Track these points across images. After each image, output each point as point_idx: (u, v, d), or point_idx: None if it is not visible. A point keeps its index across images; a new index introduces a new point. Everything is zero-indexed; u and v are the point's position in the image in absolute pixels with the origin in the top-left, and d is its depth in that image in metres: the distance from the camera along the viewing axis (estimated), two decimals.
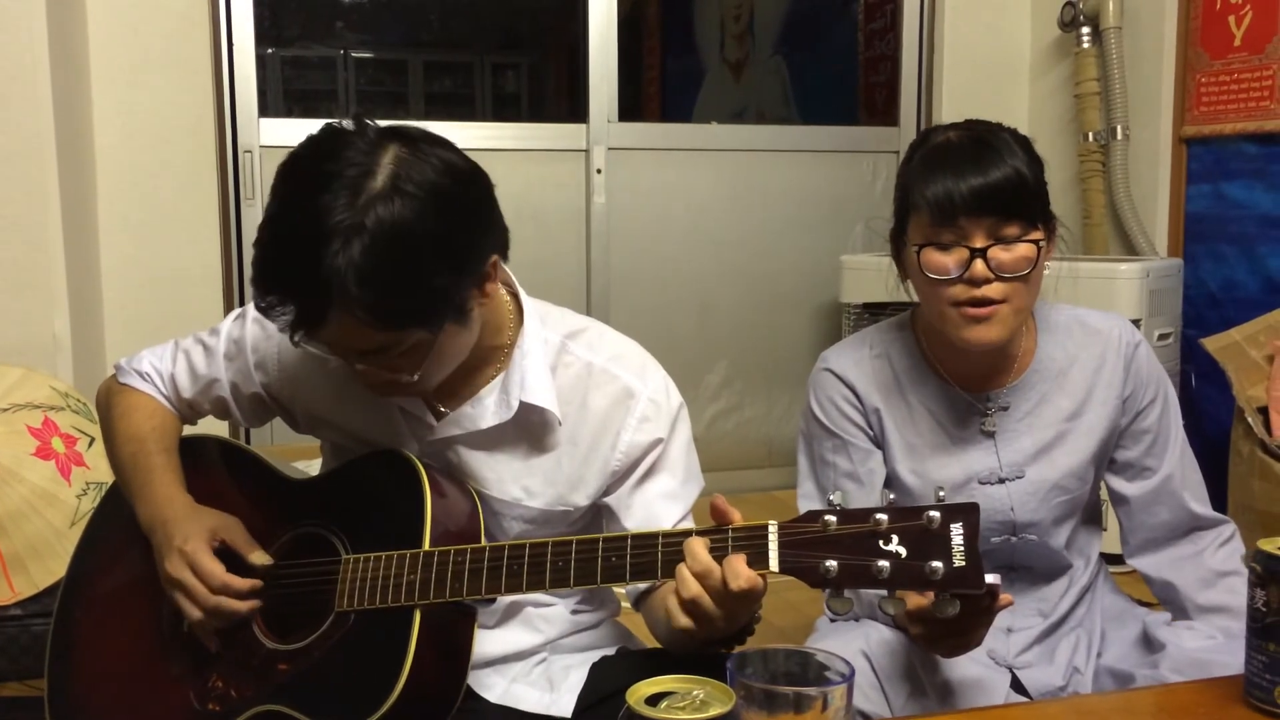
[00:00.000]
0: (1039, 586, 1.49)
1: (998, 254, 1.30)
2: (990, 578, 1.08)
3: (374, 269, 1.04)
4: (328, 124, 1.13)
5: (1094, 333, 1.47)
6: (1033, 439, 1.44)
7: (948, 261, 1.32)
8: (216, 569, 1.20)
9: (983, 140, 1.35)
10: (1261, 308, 2.79)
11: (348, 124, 1.12)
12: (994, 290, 1.31)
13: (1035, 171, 1.35)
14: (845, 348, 1.50)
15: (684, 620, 1.05)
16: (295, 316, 1.08)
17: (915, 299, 1.51)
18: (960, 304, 1.32)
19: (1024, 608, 1.48)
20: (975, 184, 1.29)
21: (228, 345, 1.37)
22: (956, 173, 1.31)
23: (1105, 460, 1.48)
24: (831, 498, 1.02)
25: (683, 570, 1.04)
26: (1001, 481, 1.43)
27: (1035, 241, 1.32)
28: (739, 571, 1.02)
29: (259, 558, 1.23)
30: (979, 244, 1.30)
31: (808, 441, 1.51)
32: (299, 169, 1.10)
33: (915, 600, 1.14)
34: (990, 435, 1.44)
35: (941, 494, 0.99)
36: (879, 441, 1.47)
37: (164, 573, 1.22)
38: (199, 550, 1.20)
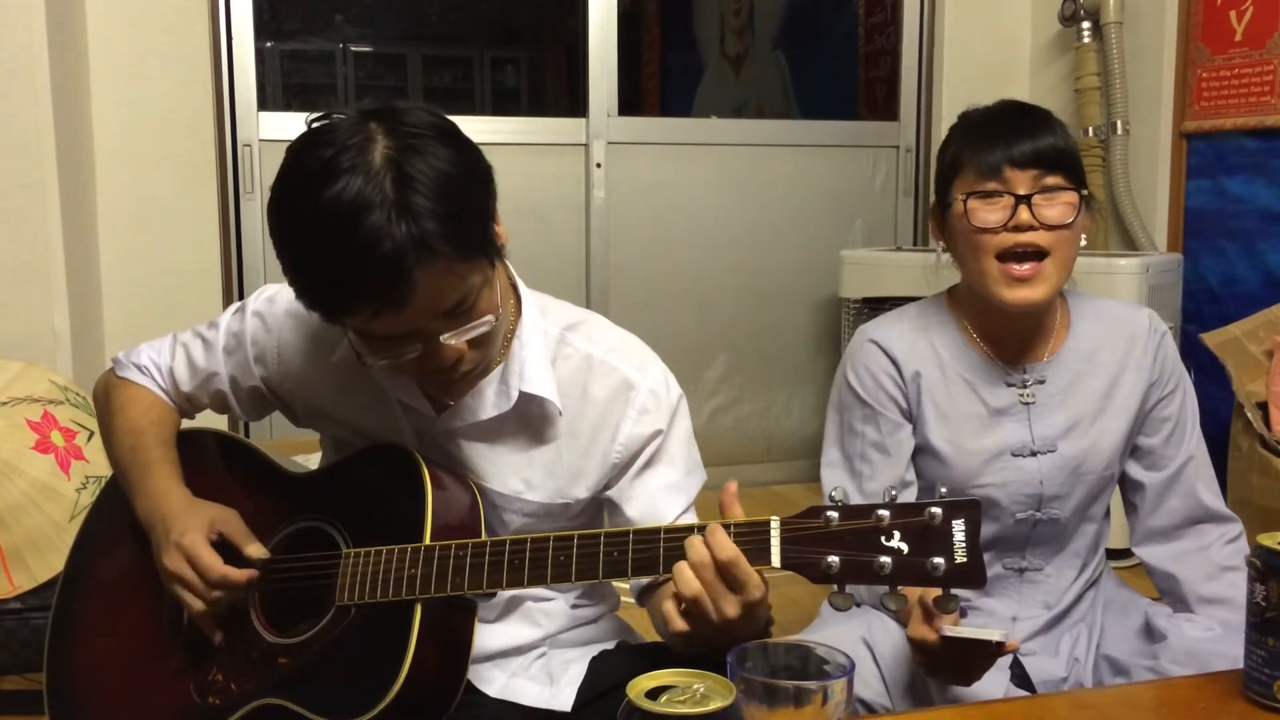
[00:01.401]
0: (1047, 577, 1.50)
1: (1041, 203, 1.35)
2: (999, 635, 1.13)
3: (441, 207, 1.03)
4: (304, 135, 1.10)
5: (1124, 318, 1.50)
6: (1066, 415, 1.46)
7: (994, 209, 1.36)
8: (214, 562, 1.20)
9: (1025, 109, 1.43)
10: (1261, 303, 2.80)
11: (316, 122, 1.11)
12: (1039, 238, 1.35)
13: (1071, 142, 1.40)
14: (884, 321, 1.52)
15: (679, 623, 1.05)
16: (379, 301, 1.05)
17: (933, 293, 1.53)
18: (1005, 257, 1.36)
19: (1030, 598, 1.48)
20: (1020, 139, 1.36)
21: (227, 339, 1.36)
22: (1003, 133, 1.37)
23: (1130, 444, 1.50)
24: (833, 493, 1.02)
25: (681, 567, 1.04)
26: (1034, 454, 1.45)
27: (1078, 191, 1.36)
28: (721, 542, 1.02)
29: (255, 550, 1.23)
30: (1023, 191, 1.35)
31: (838, 410, 1.52)
32: (299, 171, 1.07)
33: (920, 631, 1.17)
34: (1026, 406, 1.46)
35: (943, 491, 0.99)
36: (911, 414, 1.48)
37: (162, 567, 1.22)
38: (197, 543, 1.20)
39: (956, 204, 1.39)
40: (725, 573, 1.02)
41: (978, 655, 1.18)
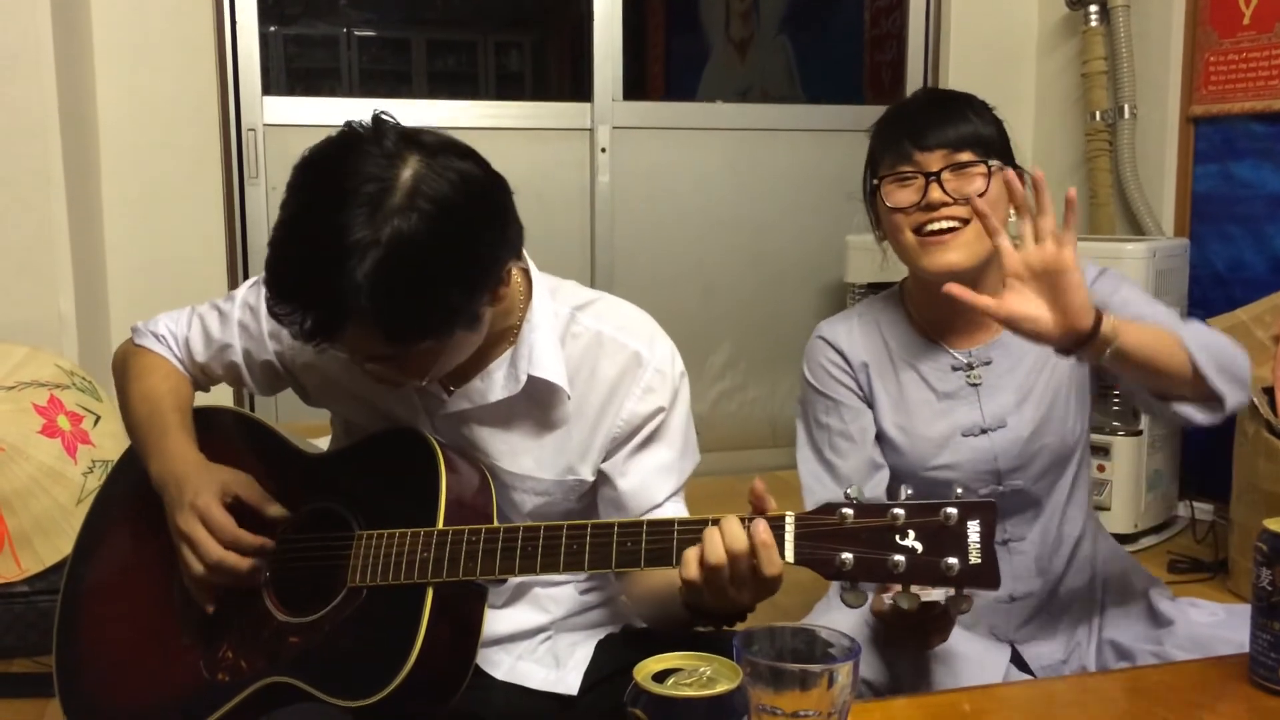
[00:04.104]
0: (1033, 545, 1.51)
1: (951, 178, 1.41)
2: (940, 595, 1.14)
3: (387, 284, 1.04)
4: (346, 127, 1.11)
5: None
6: (1016, 391, 1.49)
7: (907, 190, 1.43)
8: (227, 523, 1.20)
9: (939, 96, 1.51)
10: (1268, 288, 2.79)
11: (366, 126, 1.10)
12: (955, 211, 1.41)
13: (990, 121, 1.46)
14: (836, 318, 1.60)
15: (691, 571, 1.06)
16: (312, 326, 1.07)
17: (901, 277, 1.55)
18: (922, 232, 1.42)
19: (1021, 569, 1.49)
20: (929, 125, 1.43)
21: (242, 312, 1.37)
22: (913, 121, 1.45)
23: (1085, 400, 1.51)
24: (848, 490, 1.02)
25: (712, 541, 1.04)
26: (984, 432, 1.48)
27: (986, 163, 1.42)
28: (735, 534, 1.03)
29: (275, 510, 1.23)
30: (933, 169, 1.41)
31: (803, 407, 1.59)
32: (317, 180, 1.09)
33: (875, 604, 1.22)
34: (975, 388, 1.49)
35: (959, 491, 0.99)
36: (869, 401, 1.53)
37: (174, 526, 1.22)
38: (210, 504, 1.21)
39: (877, 190, 1.46)
40: (754, 558, 1.03)
41: (930, 619, 1.23)
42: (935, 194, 1.40)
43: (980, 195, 1.39)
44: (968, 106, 1.45)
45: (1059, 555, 1.50)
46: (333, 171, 1.08)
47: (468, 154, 1.12)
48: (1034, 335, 1.23)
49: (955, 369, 1.50)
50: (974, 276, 1.44)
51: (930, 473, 1.48)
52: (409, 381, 1.18)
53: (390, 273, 1.03)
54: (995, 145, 1.44)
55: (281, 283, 1.08)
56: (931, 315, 1.52)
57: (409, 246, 1.04)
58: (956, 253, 1.41)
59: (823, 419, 1.54)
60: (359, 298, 1.03)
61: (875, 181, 1.46)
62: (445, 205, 1.06)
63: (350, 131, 1.11)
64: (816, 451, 1.55)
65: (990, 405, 1.49)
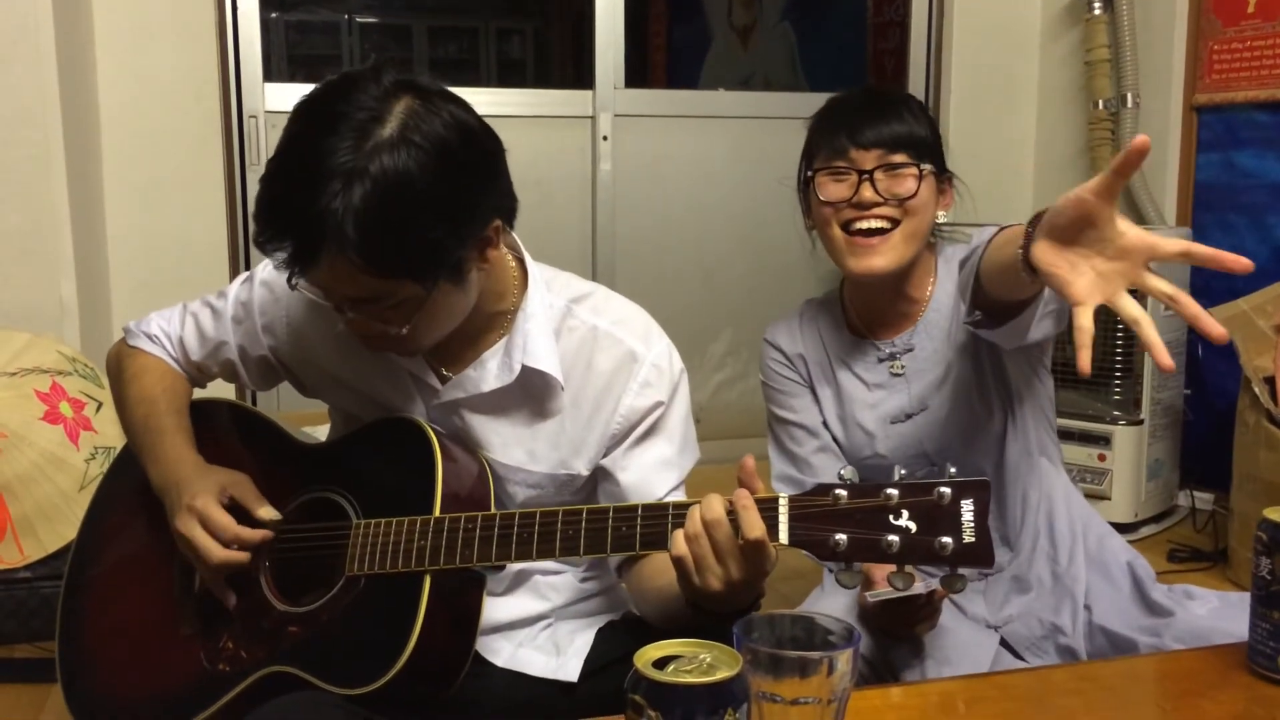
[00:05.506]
0: (993, 514, 1.51)
1: (883, 178, 1.44)
2: (922, 588, 1.21)
3: (371, 215, 1.04)
4: (346, 70, 1.13)
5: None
6: (936, 373, 1.53)
7: (840, 186, 1.46)
8: (227, 522, 1.21)
9: (876, 94, 1.54)
10: (1269, 277, 2.78)
11: (366, 70, 1.12)
12: (885, 211, 1.44)
13: (925, 124, 1.49)
14: (780, 320, 1.67)
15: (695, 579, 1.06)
16: (290, 254, 1.08)
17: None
18: (851, 231, 1.46)
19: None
20: (866, 123, 1.45)
21: (235, 308, 1.37)
22: (852, 117, 1.48)
23: (1000, 371, 1.52)
24: (842, 471, 1.02)
25: (691, 512, 1.05)
26: (909, 418, 1.53)
27: (918, 166, 1.45)
28: (712, 506, 1.04)
29: (267, 512, 1.23)
30: (868, 168, 1.44)
31: (766, 406, 1.66)
32: (311, 108, 1.10)
33: (859, 599, 1.26)
34: (901, 376, 1.54)
35: (953, 470, 0.99)
36: (814, 392, 1.61)
37: (175, 531, 1.23)
38: (209, 505, 1.21)
39: (811, 181, 1.49)
40: (748, 547, 1.03)
41: (913, 610, 1.32)
42: (867, 193, 1.43)
43: (911, 197, 1.44)
44: (904, 107, 1.49)
45: (1024, 526, 1.53)
46: (326, 101, 1.09)
47: (463, 103, 1.13)
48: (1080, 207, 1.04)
49: (881, 360, 1.56)
50: (898, 277, 1.50)
51: (866, 461, 1.54)
52: (390, 333, 1.16)
53: (376, 204, 1.04)
54: (929, 148, 1.47)
55: (265, 206, 1.08)
56: (861, 309, 1.58)
57: (396, 177, 1.05)
58: (882, 258, 1.45)
59: (780, 414, 1.62)
60: (342, 225, 1.03)
61: (810, 173, 1.49)
62: (436, 141, 1.07)
63: (349, 71, 1.12)
64: (778, 443, 1.63)
65: (916, 390, 1.53)
